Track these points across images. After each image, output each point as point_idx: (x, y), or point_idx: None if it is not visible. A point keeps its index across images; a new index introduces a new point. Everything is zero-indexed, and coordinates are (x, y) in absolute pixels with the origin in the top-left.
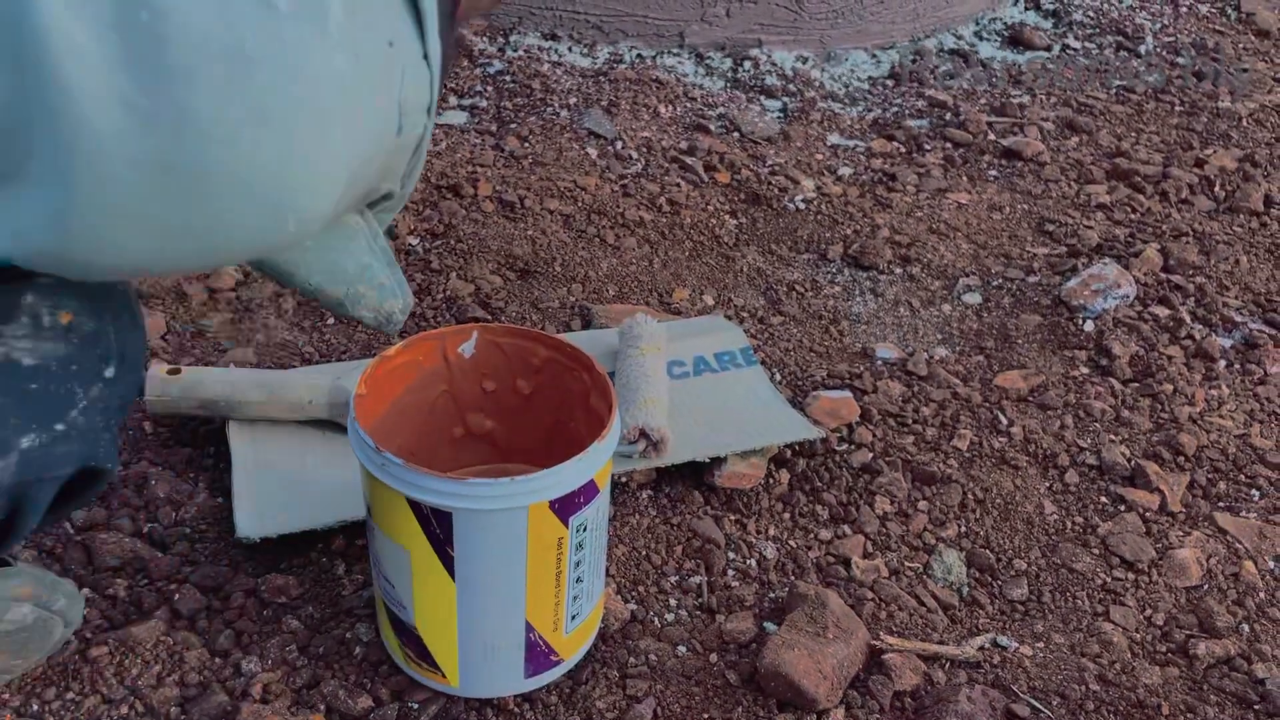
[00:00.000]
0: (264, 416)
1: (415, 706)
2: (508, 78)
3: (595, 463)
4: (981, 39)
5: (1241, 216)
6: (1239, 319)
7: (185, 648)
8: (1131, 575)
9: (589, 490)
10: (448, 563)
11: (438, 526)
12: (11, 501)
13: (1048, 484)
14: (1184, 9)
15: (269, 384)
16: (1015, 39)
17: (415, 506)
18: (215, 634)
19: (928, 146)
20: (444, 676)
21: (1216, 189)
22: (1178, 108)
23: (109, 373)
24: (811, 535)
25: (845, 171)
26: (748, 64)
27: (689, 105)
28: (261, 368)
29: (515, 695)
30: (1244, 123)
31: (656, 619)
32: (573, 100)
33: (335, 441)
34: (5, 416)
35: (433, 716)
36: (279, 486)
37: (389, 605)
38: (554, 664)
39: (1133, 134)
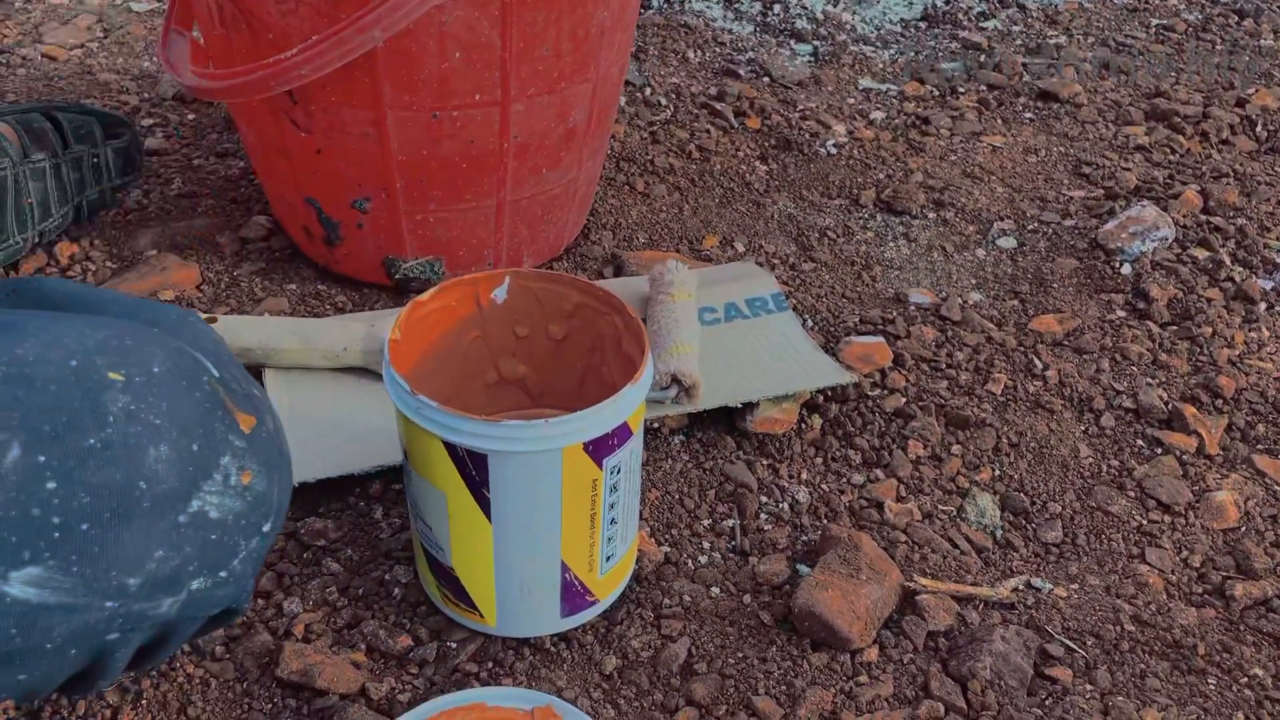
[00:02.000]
0: (299, 364)
1: (454, 645)
2: None
3: (628, 405)
4: None
5: None
6: None
7: None
8: (1168, 518)
9: (622, 432)
10: (484, 505)
11: (473, 469)
12: (163, 630)
13: (1083, 428)
14: None
15: (303, 332)
16: None
17: (451, 449)
18: (258, 576)
19: (961, 89)
20: (481, 616)
21: (1258, 129)
22: (1219, 46)
23: (266, 527)
24: (844, 479)
25: (877, 116)
26: (777, 7)
27: (718, 50)
28: (296, 316)
29: (551, 634)
30: None
31: (690, 561)
32: None
33: (371, 388)
34: (188, 563)
35: (471, 655)
36: (316, 433)
37: (426, 547)
38: (590, 604)
39: (1172, 74)
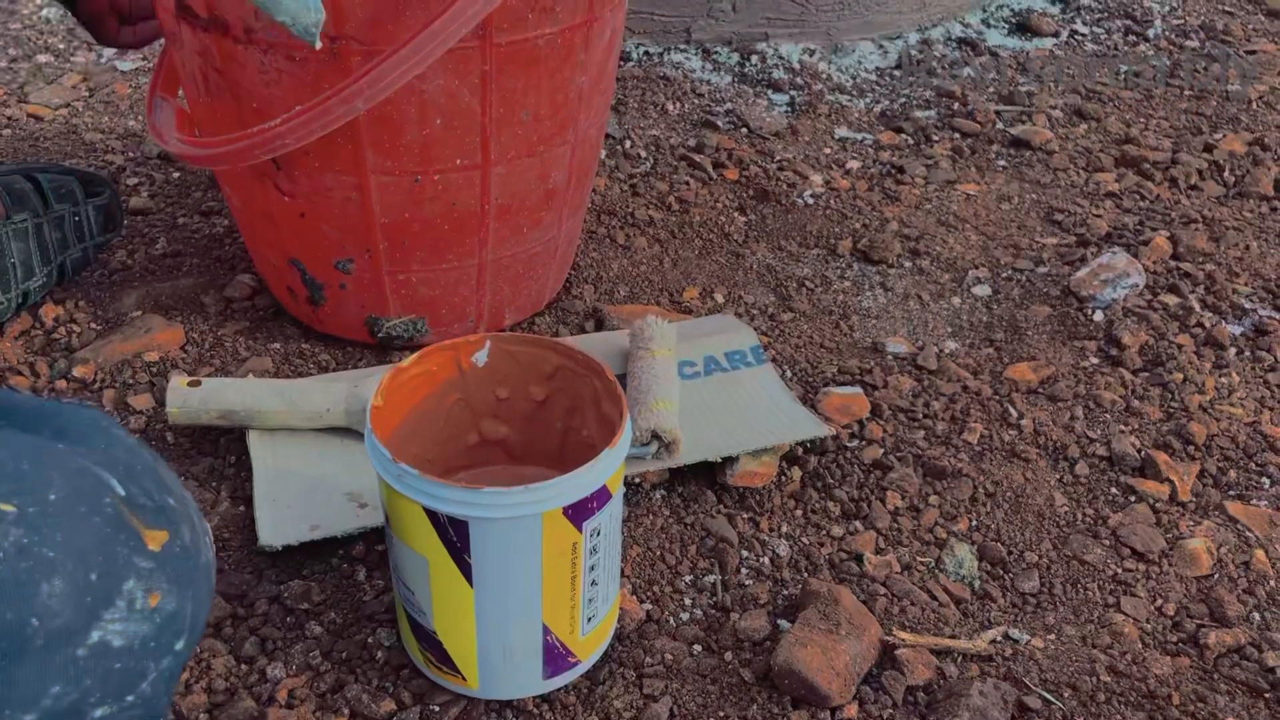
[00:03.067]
0: (283, 425)
1: (437, 709)
2: None
3: (607, 469)
4: (989, 26)
5: (1251, 201)
6: (1249, 305)
7: (212, 655)
8: (1142, 566)
9: (602, 495)
10: (465, 570)
11: (454, 535)
12: None
13: (1058, 476)
14: None
15: (287, 393)
16: (1023, 25)
17: (432, 515)
18: (240, 641)
19: (936, 137)
20: (464, 679)
21: (1226, 174)
22: (1186, 92)
23: (179, 645)
24: (824, 532)
25: (853, 165)
26: (754, 58)
27: (696, 101)
28: (279, 377)
29: (534, 696)
30: (1253, 105)
31: (672, 618)
32: None
33: (353, 449)
34: (89, 695)
35: (454, 718)
36: (300, 494)
37: (409, 611)
38: (571, 665)
39: (1141, 120)
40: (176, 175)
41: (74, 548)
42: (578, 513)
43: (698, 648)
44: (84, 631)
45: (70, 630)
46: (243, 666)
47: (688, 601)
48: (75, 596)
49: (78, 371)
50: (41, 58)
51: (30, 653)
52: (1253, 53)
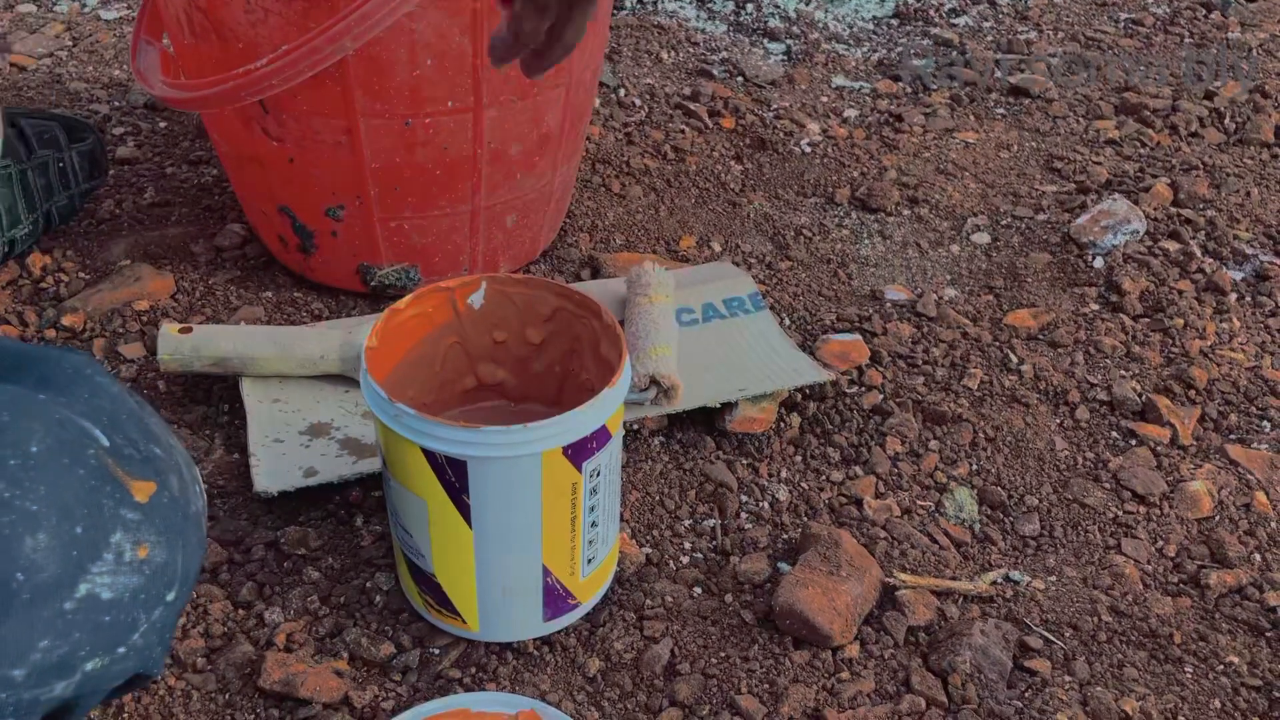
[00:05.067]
0: (276, 373)
1: (437, 652)
2: None
3: (607, 408)
4: None
5: (1252, 148)
6: (1250, 251)
7: (209, 600)
8: (1143, 508)
9: (601, 435)
10: (464, 511)
11: (453, 475)
12: (63, 705)
13: (1058, 421)
14: None
15: (280, 340)
16: None
17: (430, 456)
18: (237, 586)
19: (934, 86)
20: (464, 622)
21: (1226, 121)
22: (1187, 39)
23: (170, 596)
24: (823, 477)
25: (851, 113)
26: (750, 6)
27: (691, 50)
28: (272, 325)
29: (534, 638)
30: (1254, 53)
31: (671, 562)
32: None
33: (348, 396)
34: (79, 647)
35: (454, 661)
36: (295, 441)
37: (407, 554)
38: (572, 607)
39: (1141, 67)
40: (163, 125)
41: (57, 501)
42: (577, 452)
43: (698, 590)
44: (71, 585)
45: (57, 584)
46: (240, 611)
47: (687, 545)
48: (60, 550)
49: (67, 320)
50: (23, 7)
51: (16, 607)
52: (1253, 0)
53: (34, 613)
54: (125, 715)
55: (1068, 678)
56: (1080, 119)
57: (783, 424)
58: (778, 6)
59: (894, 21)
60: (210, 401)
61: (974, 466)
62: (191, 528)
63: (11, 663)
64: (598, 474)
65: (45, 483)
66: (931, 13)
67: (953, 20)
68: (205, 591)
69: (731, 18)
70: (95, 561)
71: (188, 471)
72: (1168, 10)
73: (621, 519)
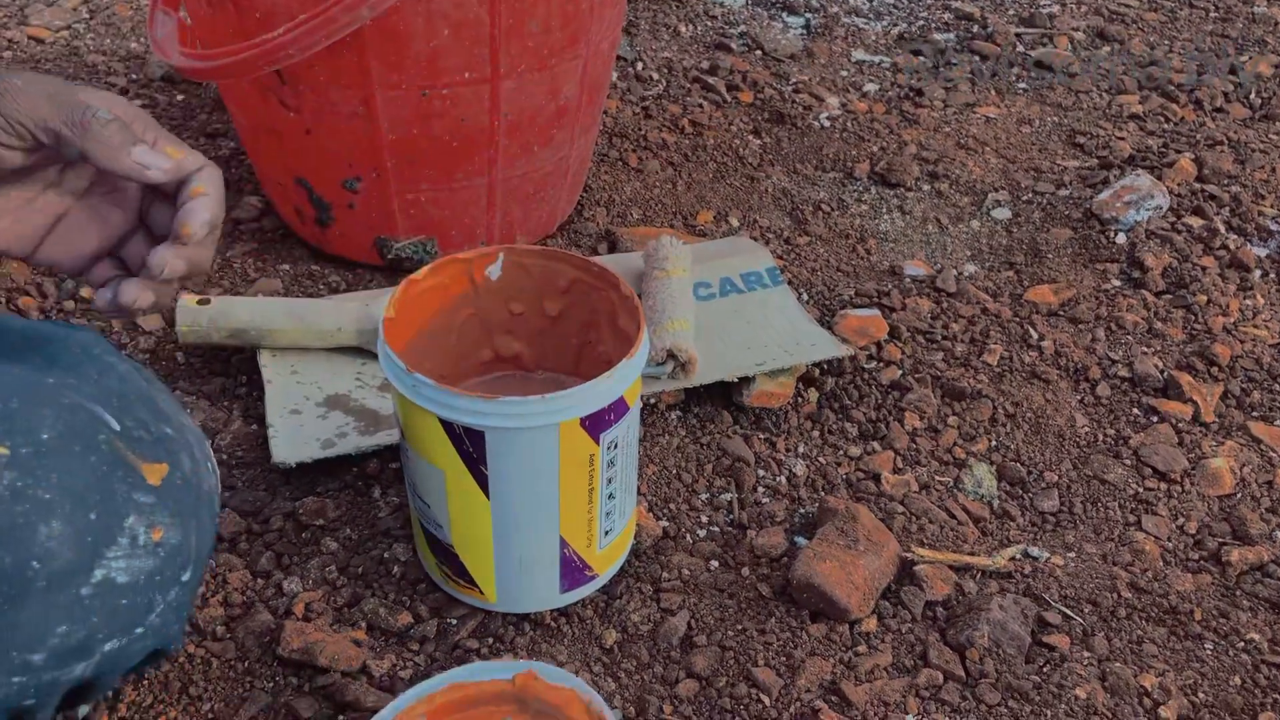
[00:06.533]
0: (294, 344)
1: (454, 622)
2: None
3: (625, 379)
4: None
5: (1277, 124)
6: (1274, 228)
7: (228, 569)
8: (1164, 485)
9: (619, 407)
10: (482, 481)
11: (470, 446)
12: (83, 684)
13: (1079, 397)
14: None
15: (298, 312)
16: None
17: (448, 426)
18: (256, 556)
19: (954, 60)
20: (481, 593)
21: (1252, 96)
22: (1212, 14)
23: (185, 576)
24: (841, 452)
25: (870, 88)
26: None
27: (709, 24)
28: (289, 296)
29: (551, 610)
30: None
31: (689, 535)
32: None
33: (366, 368)
34: (96, 631)
35: (471, 631)
36: (312, 413)
37: (425, 525)
38: (589, 579)
39: (1165, 42)
40: (180, 98)
41: (70, 488)
42: (595, 424)
43: (715, 563)
44: (87, 571)
45: (72, 570)
46: (259, 581)
47: (704, 519)
48: (75, 537)
49: (85, 293)
50: None
51: (33, 595)
52: None
53: (51, 599)
54: (145, 682)
55: (1086, 653)
56: (1103, 93)
57: (800, 399)
58: None
59: None
60: (228, 373)
61: (993, 442)
62: (204, 507)
63: (30, 648)
64: (615, 446)
65: (57, 470)
66: None
67: None
68: (224, 561)
69: None
70: (110, 546)
71: (199, 449)
72: None
73: (639, 492)
